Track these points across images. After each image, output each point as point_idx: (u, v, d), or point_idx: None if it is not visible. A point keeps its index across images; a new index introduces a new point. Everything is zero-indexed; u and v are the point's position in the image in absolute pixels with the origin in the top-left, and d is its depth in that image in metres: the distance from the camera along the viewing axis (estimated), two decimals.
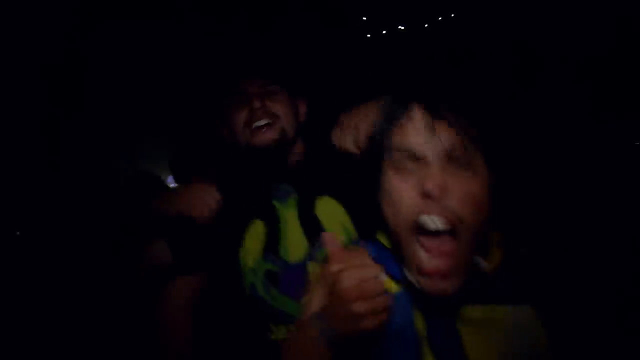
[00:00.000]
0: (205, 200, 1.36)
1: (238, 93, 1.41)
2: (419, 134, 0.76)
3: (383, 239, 0.91)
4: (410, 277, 0.82)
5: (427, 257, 0.78)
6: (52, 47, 5.27)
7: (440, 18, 5.78)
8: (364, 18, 5.53)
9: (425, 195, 0.75)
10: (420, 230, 0.79)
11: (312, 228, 1.37)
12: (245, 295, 1.37)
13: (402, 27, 5.99)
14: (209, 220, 1.36)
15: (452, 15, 5.97)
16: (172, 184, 2.90)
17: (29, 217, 3.35)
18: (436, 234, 0.78)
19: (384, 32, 5.71)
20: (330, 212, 1.38)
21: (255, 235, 1.39)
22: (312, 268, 1.34)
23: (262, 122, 1.37)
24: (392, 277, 0.85)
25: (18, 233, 3.23)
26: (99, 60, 5.53)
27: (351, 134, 1.25)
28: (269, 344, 1.35)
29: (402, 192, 0.79)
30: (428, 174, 0.75)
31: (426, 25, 5.81)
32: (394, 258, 0.87)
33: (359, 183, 1.36)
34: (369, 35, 5.70)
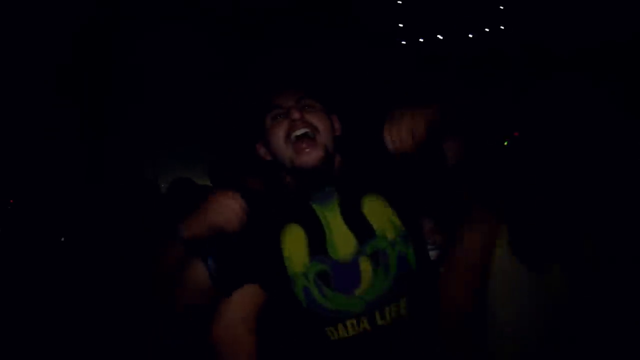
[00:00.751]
0: (232, 207, 1.33)
1: (274, 108, 1.41)
2: None
3: None
4: None
5: None
6: (92, 66, 5.51)
7: (487, 29, 5.73)
8: (400, 25, 5.51)
9: None
10: None
11: (359, 225, 1.36)
12: (297, 302, 1.35)
13: (441, 37, 5.95)
14: (239, 228, 1.33)
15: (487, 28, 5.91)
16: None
17: (72, 225, 3.46)
18: None
19: (421, 40, 5.67)
20: (377, 208, 1.37)
21: (296, 239, 1.37)
22: (364, 263, 1.34)
23: (302, 131, 1.36)
24: None
25: (63, 239, 3.34)
26: (131, 78, 5.75)
27: (407, 127, 1.21)
28: (331, 345, 1.33)
29: None
30: None
31: (470, 36, 5.76)
32: None
33: (411, 175, 1.37)
34: (404, 42, 5.68)
